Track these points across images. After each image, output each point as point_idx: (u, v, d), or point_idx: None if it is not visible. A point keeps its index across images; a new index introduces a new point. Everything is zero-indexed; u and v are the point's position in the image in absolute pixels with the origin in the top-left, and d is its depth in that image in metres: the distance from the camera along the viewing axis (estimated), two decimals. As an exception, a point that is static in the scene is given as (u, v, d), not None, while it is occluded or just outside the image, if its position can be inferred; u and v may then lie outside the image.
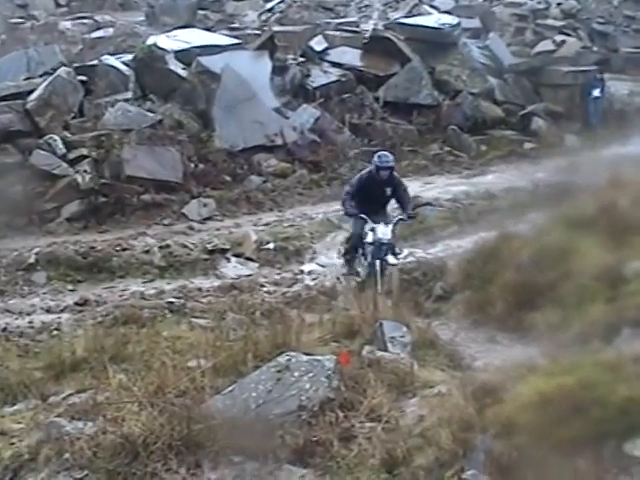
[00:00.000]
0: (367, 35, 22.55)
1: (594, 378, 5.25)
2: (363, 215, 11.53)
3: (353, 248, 12.02)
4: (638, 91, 29.17)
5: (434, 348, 8.30)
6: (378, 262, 11.29)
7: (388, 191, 11.78)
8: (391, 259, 11.36)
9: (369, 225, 11.49)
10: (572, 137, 21.82)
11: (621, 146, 21.63)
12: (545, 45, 25.62)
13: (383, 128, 19.67)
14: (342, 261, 12.52)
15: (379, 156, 11.75)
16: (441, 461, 5.35)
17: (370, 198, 11.63)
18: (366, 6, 34.99)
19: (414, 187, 17.15)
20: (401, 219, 11.75)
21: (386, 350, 7.70)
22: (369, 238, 11.46)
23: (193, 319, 10.87)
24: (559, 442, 4.93)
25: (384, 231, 11.33)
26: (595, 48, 32.17)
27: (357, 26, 25.00)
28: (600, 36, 35.39)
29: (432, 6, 32.26)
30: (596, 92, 23.02)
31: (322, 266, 13.73)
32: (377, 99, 20.52)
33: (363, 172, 12.12)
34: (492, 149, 20.13)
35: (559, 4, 34.71)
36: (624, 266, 8.43)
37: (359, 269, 11.92)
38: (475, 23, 26.66)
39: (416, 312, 10.13)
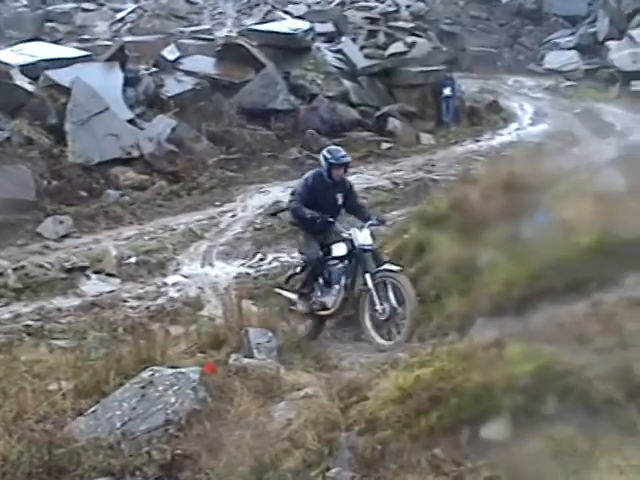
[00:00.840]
0: (220, 42, 22.54)
1: (449, 368, 5.40)
2: (330, 219, 9.35)
3: (312, 276, 9.49)
4: (488, 88, 30.42)
5: (300, 351, 8.35)
6: (368, 276, 8.95)
7: (340, 198, 9.59)
8: (391, 266, 9.12)
9: (332, 235, 9.42)
10: (427, 135, 22.49)
11: (474, 142, 22.51)
12: (397, 47, 26.24)
13: (241, 135, 19.71)
14: (294, 298, 9.79)
15: (330, 151, 9.54)
16: (308, 462, 5.38)
17: (318, 208, 9.30)
18: (219, 13, 34.88)
19: (276, 192, 17.30)
20: (372, 224, 9.55)
21: (253, 357, 7.68)
22: (338, 251, 9.33)
23: (52, 341, 10.53)
24: (419, 433, 5.05)
25: (364, 235, 9.21)
26: (444, 48, 33.27)
27: (211, 34, 24.96)
28: (449, 36, 36.64)
29: (285, 12, 32.52)
30: (447, 91, 23.82)
31: (186, 277, 13.60)
32: (234, 106, 20.51)
33: (308, 175, 9.67)
34: (350, 151, 20.28)
35: (408, 6, 35.69)
36: (477, 258, 8.71)
37: (325, 299, 9.39)
38: (328, 27, 27.06)
39: (282, 317, 10.16)
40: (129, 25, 28.67)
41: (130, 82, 19.54)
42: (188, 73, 20.98)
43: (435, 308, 8.89)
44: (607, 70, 31.94)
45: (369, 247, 9.18)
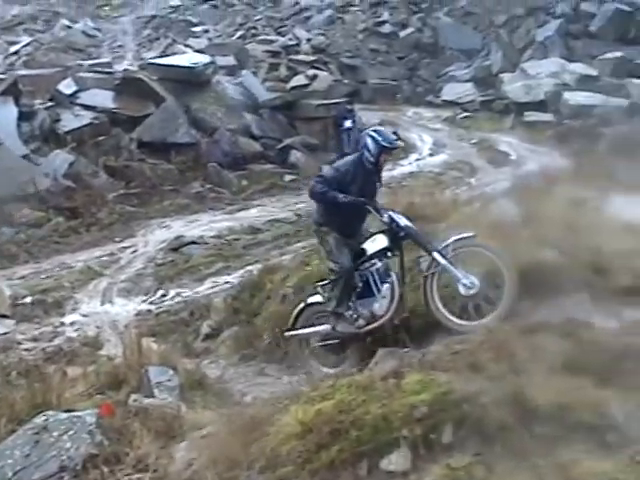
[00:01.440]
0: (120, 76, 22.33)
1: (350, 400, 5.42)
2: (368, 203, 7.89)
3: (349, 289, 7.93)
4: (388, 120, 30.96)
5: (203, 388, 8.23)
6: (437, 254, 7.42)
7: (377, 186, 8.24)
8: (464, 233, 7.70)
9: (359, 236, 8.01)
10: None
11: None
12: (299, 80, 26.51)
13: (142, 169, 19.52)
14: (325, 328, 8.18)
15: (380, 133, 7.94)
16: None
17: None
18: (119, 46, 34.60)
19: (178, 227, 17.13)
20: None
21: (153, 396, 7.53)
22: (377, 244, 7.86)
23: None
24: (319, 467, 5.04)
25: (400, 216, 7.87)
26: (345, 81, 33.80)
27: (110, 67, 24.69)
28: (349, 69, 37.28)
29: (186, 45, 32.52)
30: (348, 123, 24.07)
31: (85, 316, 13.23)
32: (134, 140, 20.29)
33: (348, 159, 8.15)
34: (253, 183, 20.51)
35: (309, 40, 36.23)
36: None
37: (373, 307, 7.79)
38: (230, 60, 27.18)
39: (185, 353, 10.02)
40: (24, 58, 28.11)
41: (25, 117, 19.14)
42: (86, 107, 20.68)
43: (337, 340, 8.90)
44: (502, 101, 32.97)
45: (413, 227, 7.78)
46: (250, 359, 9.68)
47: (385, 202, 12.72)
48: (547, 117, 30.34)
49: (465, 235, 7.53)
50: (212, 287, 13.68)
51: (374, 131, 7.95)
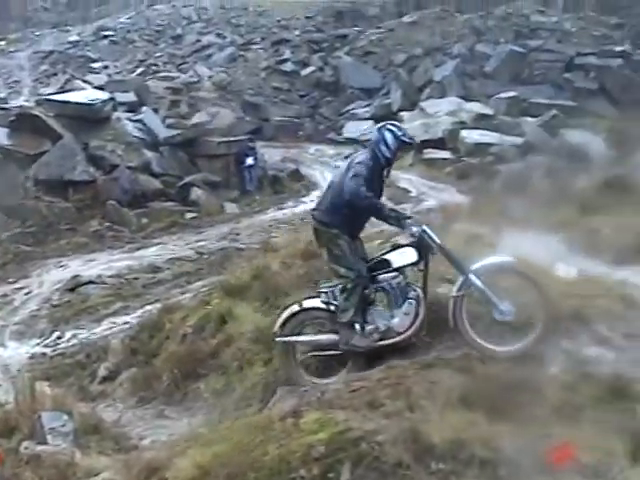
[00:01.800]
0: (15, 112, 21.83)
1: (248, 441, 5.36)
2: (408, 217, 7.44)
3: (364, 299, 7.23)
4: (290, 157, 31.18)
5: (99, 433, 7.99)
6: (474, 276, 6.95)
7: (384, 185, 7.65)
8: (501, 257, 7.33)
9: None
10: (231, 204, 22.63)
11: (278, 210, 22.88)
12: (200, 117, 26.44)
13: (37, 207, 19.05)
14: (332, 337, 7.34)
15: (399, 127, 7.46)
16: None
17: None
18: (15, 82, 33.87)
19: (75, 266, 16.73)
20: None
21: (46, 443, 7.28)
22: (405, 259, 7.23)
23: None
24: (216, 513, 4.95)
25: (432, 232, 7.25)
26: (248, 118, 33.93)
27: (5, 103, 24.13)
28: (252, 106, 37.46)
29: (85, 81, 32.07)
30: (250, 160, 24.18)
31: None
32: (29, 178, 19.81)
33: (362, 158, 7.29)
34: (153, 221, 20.25)
35: (210, 77, 36.28)
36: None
37: (393, 322, 7.07)
38: (130, 97, 26.94)
39: (80, 397, 9.72)
40: None
41: None
42: (-21, 145, 20.13)
43: (238, 379, 8.81)
44: (401, 139, 33.60)
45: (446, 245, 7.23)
46: (149, 401, 9.45)
47: (287, 240, 12.88)
48: (446, 154, 31.12)
49: (503, 259, 7.17)
50: (110, 328, 13.34)
51: (393, 125, 7.46)
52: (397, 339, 7.05)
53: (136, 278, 15.97)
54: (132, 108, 25.59)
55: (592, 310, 7.94)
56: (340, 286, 7.26)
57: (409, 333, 7.03)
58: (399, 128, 7.35)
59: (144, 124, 23.66)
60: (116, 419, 8.61)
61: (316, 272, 9.63)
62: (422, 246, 7.12)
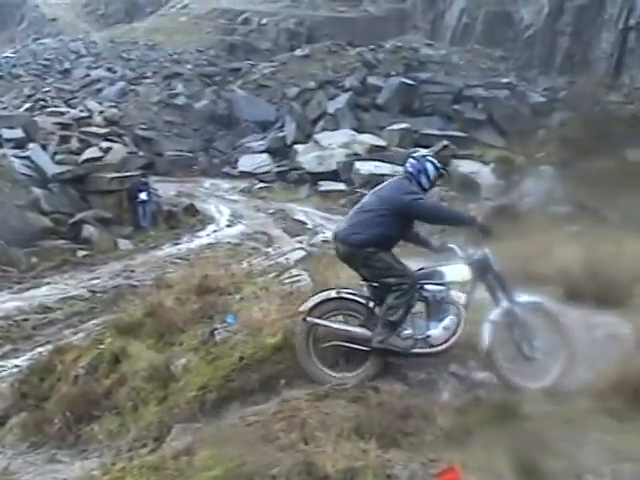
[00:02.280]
0: None
1: (140, 483, 5.27)
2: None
3: (410, 304, 7.20)
4: (185, 191, 31.04)
5: (-17, 481, 7.71)
6: (517, 307, 7.22)
7: None
8: (536, 297, 7.48)
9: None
10: (125, 241, 22.29)
11: (173, 245, 22.66)
12: (92, 152, 26.01)
13: None
14: (366, 333, 7.12)
15: (435, 159, 7.80)
16: None
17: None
18: None
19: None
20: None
21: None
22: (457, 276, 7.28)
23: None
24: None
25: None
26: (141, 153, 33.60)
27: None
28: (144, 141, 37.18)
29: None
30: (143, 195, 23.92)
31: None
32: None
33: (409, 186, 7.50)
34: (44, 260, 19.70)
35: (101, 112, 35.75)
36: (172, 364, 8.66)
37: (431, 333, 7.09)
38: (17, 133, 26.24)
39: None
40: None
41: None
42: None
43: (132, 419, 8.63)
44: (297, 172, 33.99)
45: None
46: (40, 446, 9.14)
47: (181, 275, 12.76)
48: (340, 186, 31.58)
49: (538, 299, 7.31)
50: (-2, 372, 12.88)
51: (431, 157, 7.68)
52: (430, 350, 7.04)
53: (26, 319, 15.45)
54: (20, 144, 24.94)
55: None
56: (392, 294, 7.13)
57: (443, 347, 7.02)
58: (435, 159, 7.55)
59: (32, 161, 23.10)
60: (5, 467, 8.31)
61: (210, 307, 9.60)
62: (478, 268, 7.20)
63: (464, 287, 7.18)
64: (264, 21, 57.05)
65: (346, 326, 7.19)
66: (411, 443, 5.44)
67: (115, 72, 47.99)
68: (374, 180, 31.47)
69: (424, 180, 7.49)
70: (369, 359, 7.03)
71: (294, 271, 10.74)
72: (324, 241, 21.36)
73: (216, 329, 8.70)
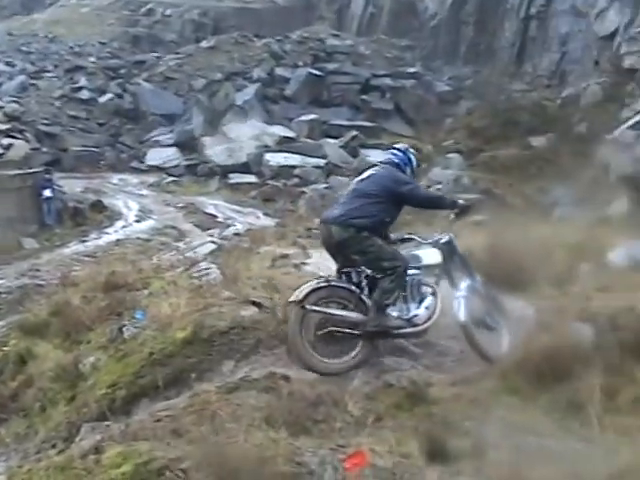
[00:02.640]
0: None
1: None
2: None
3: (401, 287, 7.59)
4: (92, 187, 30.43)
5: None
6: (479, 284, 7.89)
7: None
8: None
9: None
10: (30, 240, 21.74)
11: (80, 243, 22.20)
12: (-8, 150, 25.23)
13: None
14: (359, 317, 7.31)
15: None
16: None
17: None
18: None
19: None
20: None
21: None
22: (431, 259, 7.78)
23: None
24: None
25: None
26: (45, 149, 32.77)
27: None
28: (48, 137, 36.26)
29: None
30: (47, 192, 23.35)
31: None
32: None
33: (401, 175, 7.99)
34: (-57, 262, 19.05)
35: (1, 107, 34.76)
36: (80, 363, 8.51)
37: (416, 313, 7.43)
38: None
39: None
40: None
41: None
42: None
43: (41, 421, 8.45)
44: (206, 165, 33.73)
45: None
46: None
47: (87, 273, 12.52)
48: (251, 178, 31.52)
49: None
50: None
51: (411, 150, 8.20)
52: (416, 330, 7.39)
53: None
54: None
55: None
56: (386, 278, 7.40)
57: (426, 326, 7.39)
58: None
59: None
60: None
61: (118, 304, 9.46)
62: (447, 250, 7.70)
63: (435, 269, 7.65)
64: (168, 12, 56.25)
65: (342, 311, 7.32)
66: (322, 430, 5.48)
67: (14, 66, 46.54)
68: (284, 171, 31.63)
69: (409, 171, 7.90)
70: (359, 344, 7.21)
71: (203, 265, 10.69)
72: (235, 234, 21.31)
73: (125, 326, 8.60)
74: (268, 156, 32.34)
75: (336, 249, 7.57)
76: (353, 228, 7.45)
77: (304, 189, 29.27)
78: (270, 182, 30.69)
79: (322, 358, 7.02)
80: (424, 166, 29.11)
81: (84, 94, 41.60)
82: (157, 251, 18.34)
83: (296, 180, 30.92)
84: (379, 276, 7.33)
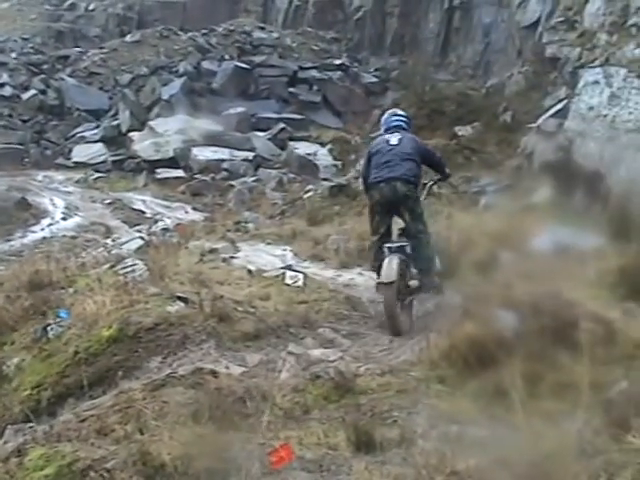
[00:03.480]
0: None
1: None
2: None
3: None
4: (16, 185, 29.73)
5: None
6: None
7: None
8: None
9: None
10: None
11: (5, 242, 21.69)
12: None
13: None
14: None
15: None
16: None
17: None
18: None
19: None
20: None
21: None
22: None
23: None
24: None
25: None
26: (-36, 148, 31.86)
27: None
28: (-31, 135, 35.26)
29: None
30: (-31, 192, 22.72)
31: None
32: None
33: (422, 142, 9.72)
34: None
35: None
36: (4, 364, 8.33)
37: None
38: None
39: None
40: None
41: None
42: None
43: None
44: (133, 160, 33.27)
45: None
46: None
47: (10, 272, 12.23)
48: (179, 173, 31.18)
49: None
50: None
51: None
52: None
53: None
54: None
55: (318, 314, 8.34)
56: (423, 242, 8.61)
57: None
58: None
59: None
60: None
61: (43, 303, 9.27)
62: None
63: None
64: (92, 6, 55.12)
65: (413, 281, 8.51)
66: (250, 425, 5.46)
67: None
68: (213, 166, 31.37)
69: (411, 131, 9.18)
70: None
71: (129, 261, 10.54)
72: (164, 229, 21.07)
73: (49, 325, 8.44)
74: (195, 150, 32.01)
75: (396, 205, 8.44)
76: (412, 185, 8.44)
77: (233, 182, 29.10)
78: (198, 176, 30.39)
79: (408, 324, 8.14)
80: (352, 158, 29.28)
81: (6, 91, 40.56)
82: (84, 248, 18.04)
83: (225, 174, 30.72)
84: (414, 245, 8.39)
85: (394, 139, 8.62)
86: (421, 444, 5.02)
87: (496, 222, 12.16)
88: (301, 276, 9.60)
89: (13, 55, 46.65)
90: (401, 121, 8.96)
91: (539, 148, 22.72)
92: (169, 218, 23.72)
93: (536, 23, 33.95)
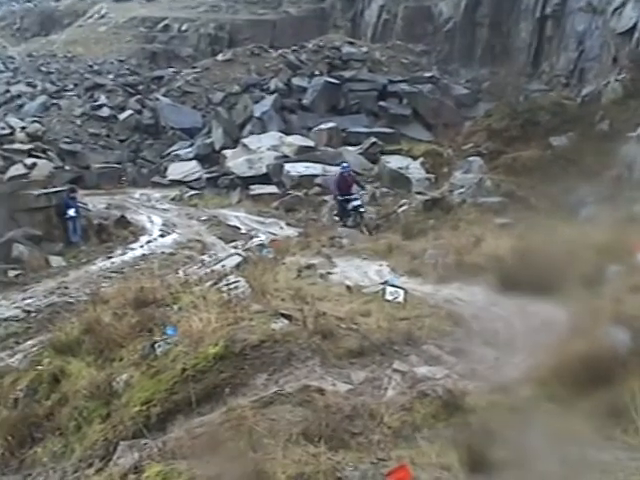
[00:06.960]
0: None
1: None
2: None
3: None
4: (115, 203, 30.58)
5: None
6: None
7: None
8: None
9: None
10: (57, 258, 21.80)
11: (106, 259, 22.28)
12: (16, 169, 25.46)
13: None
14: None
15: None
16: None
17: None
18: None
19: None
20: None
21: None
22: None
23: None
24: None
25: None
26: (67, 167, 32.98)
27: None
28: (70, 155, 36.54)
29: None
30: (71, 211, 23.42)
31: None
32: None
33: None
34: (-31, 285, 19.17)
35: (24, 128, 35.01)
36: (114, 380, 8.54)
37: None
38: None
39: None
40: None
41: None
42: None
43: (77, 439, 8.47)
44: (227, 177, 33.79)
45: None
46: (-20, 476, 8.93)
47: (116, 290, 12.55)
48: (272, 189, 31.49)
49: None
50: None
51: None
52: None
53: (-44, 346, 15.03)
54: None
55: (421, 331, 8.27)
56: None
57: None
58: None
59: (-44, 181, 22.53)
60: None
61: (149, 320, 9.48)
62: None
63: None
64: (184, 27, 56.49)
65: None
66: (360, 443, 5.45)
67: (35, 86, 46.96)
68: (305, 181, 31.60)
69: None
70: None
71: (231, 278, 10.71)
72: (259, 245, 21.29)
73: (156, 342, 8.62)
74: (288, 166, 32.29)
75: None
76: None
77: (326, 198, 29.22)
78: (291, 192, 30.66)
79: None
80: (445, 171, 29.03)
81: (104, 111, 41.87)
82: (183, 265, 18.38)
83: (317, 189, 30.89)
84: None
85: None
86: (536, 465, 4.90)
87: (599, 234, 11.87)
88: (402, 292, 9.53)
89: (110, 77, 48.16)
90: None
91: (639, 157, 22.08)
92: (264, 234, 23.94)
93: (632, 29, 33.10)
